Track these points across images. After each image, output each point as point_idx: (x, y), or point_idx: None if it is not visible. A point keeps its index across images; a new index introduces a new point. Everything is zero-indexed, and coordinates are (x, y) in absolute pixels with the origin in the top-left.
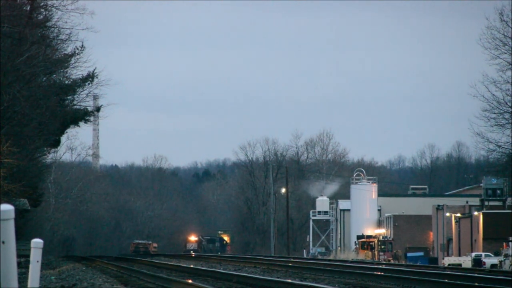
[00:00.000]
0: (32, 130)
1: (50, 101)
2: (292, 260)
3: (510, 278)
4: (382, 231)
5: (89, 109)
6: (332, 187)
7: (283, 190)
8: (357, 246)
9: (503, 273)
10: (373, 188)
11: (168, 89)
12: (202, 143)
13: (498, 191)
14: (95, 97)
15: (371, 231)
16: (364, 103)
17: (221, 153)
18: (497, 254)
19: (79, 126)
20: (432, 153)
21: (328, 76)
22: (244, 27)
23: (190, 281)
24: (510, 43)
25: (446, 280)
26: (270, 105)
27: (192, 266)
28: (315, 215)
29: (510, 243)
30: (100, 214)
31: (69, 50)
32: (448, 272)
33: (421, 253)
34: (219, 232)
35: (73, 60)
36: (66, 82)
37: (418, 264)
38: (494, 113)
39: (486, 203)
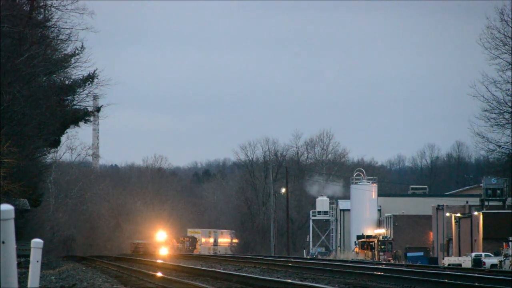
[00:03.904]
0: (32, 130)
1: (50, 101)
2: (292, 260)
3: (510, 278)
4: (382, 231)
5: (89, 109)
6: (332, 187)
7: (283, 190)
8: (357, 246)
9: (503, 273)
10: (373, 188)
11: (168, 89)
12: (202, 143)
13: (498, 191)
14: (95, 97)
15: (371, 231)
16: (364, 103)
17: (221, 153)
18: (497, 254)
19: (79, 126)
20: (432, 153)
21: (328, 76)
22: (244, 27)
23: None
24: (510, 43)
25: (446, 280)
26: (270, 105)
27: (192, 266)
28: (315, 215)
29: (510, 243)
30: (100, 214)
31: (69, 50)
32: (448, 272)
33: (421, 253)
34: (189, 230)
35: (73, 60)
36: (66, 82)
37: (418, 264)
38: (494, 113)
39: (486, 203)
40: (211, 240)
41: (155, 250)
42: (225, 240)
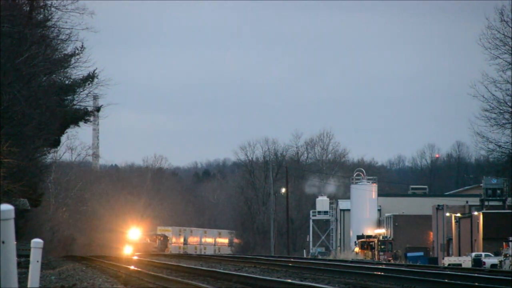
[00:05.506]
0: (32, 130)
1: (50, 101)
2: (292, 260)
3: (510, 278)
4: (382, 231)
5: (89, 109)
6: (332, 187)
7: (283, 190)
8: (357, 246)
9: (503, 273)
10: (373, 188)
11: (169, 89)
12: (202, 143)
13: (498, 191)
14: (95, 97)
15: (371, 231)
16: (364, 103)
17: (221, 153)
18: (497, 254)
19: (79, 126)
20: (432, 153)
21: (328, 76)
22: (244, 27)
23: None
24: (510, 43)
25: (446, 280)
26: (270, 105)
27: (192, 266)
28: (315, 215)
29: (510, 243)
30: (100, 214)
31: (69, 50)
32: (448, 272)
33: (421, 253)
34: (159, 228)
35: (73, 60)
36: (66, 82)
37: (418, 264)
38: (494, 113)
39: (486, 203)
40: (181, 239)
41: (155, 250)
42: (195, 239)
